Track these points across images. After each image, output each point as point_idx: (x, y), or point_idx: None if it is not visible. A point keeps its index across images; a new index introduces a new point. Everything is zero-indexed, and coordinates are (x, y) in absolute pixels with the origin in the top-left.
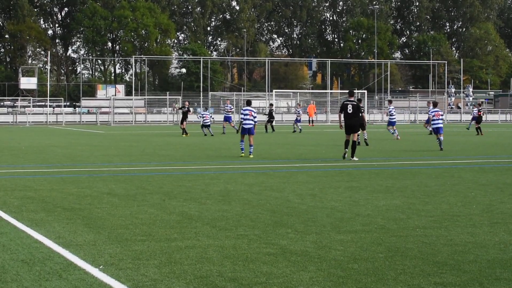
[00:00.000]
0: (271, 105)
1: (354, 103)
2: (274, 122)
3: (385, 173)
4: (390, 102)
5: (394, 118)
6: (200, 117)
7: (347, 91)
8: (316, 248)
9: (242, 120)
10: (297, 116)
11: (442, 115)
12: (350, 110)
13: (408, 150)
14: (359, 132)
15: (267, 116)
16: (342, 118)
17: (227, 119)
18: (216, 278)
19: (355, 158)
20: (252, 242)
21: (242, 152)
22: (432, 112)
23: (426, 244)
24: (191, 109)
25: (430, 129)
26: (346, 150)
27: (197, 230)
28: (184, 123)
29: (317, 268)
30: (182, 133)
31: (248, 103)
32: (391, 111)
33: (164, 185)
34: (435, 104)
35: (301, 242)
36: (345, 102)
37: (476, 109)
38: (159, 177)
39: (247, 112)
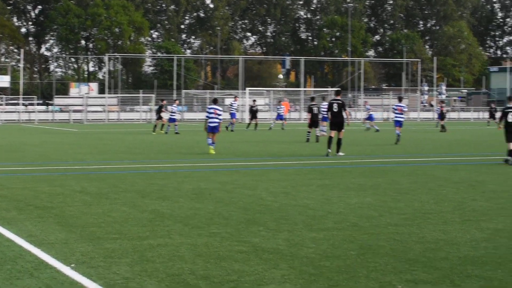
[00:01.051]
0: (254, 101)
1: (339, 101)
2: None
3: (357, 171)
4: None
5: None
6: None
7: (334, 89)
8: (288, 245)
9: (208, 118)
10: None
11: (404, 110)
12: (335, 108)
13: (381, 148)
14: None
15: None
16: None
17: (232, 115)
18: (188, 276)
19: (340, 153)
20: (224, 240)
21: (211, 147)
22: (395, 106)
23: (398, 242)
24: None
25: (368, 126)
26: (329, 150)
27: (170, 228)
28: (159, 121)
29: (289, 266)
30: (158, 129)
31: (215, 101)
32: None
33: (137, 183)
34: (399, 99)
35: (273, 240)
36: (331, 101)
37: (439, 106)
38: (132, 176)
39: (212, 110)
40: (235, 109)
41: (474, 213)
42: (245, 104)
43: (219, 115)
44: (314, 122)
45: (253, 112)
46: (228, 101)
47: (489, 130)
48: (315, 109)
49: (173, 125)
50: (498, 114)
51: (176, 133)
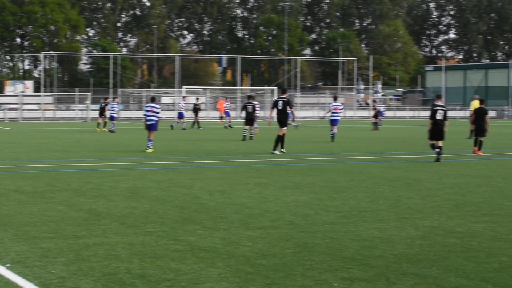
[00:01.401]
0: (197, 99)
1: (285, 99)
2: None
3: (294, 169)
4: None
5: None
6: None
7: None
8: (224, 244)
9: (145, 116)
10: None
11: (341, 109)
12: (280, 106)
13: (318, 146)
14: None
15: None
16: (273, 114)
17: (180, 115)
18: (124, 275)
19: (283, 150)
20: (160, 238)
21: (150, 148)
22: (332, 105)
23: (334, 240)
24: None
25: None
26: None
27: (105, 227)
28: (100, 118)
29: (225, 264)
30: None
31: (153, 99)
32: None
33: (73, 182)
34: (335, 98)
35: (209, 239)
36: (277, 99)
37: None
38: (68, 174)
39: (149, 108)
40: (184, 109)
41: (410, 211)
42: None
43: (157, 113)
44: (249, 120)
45: (196, 110)
46: (165, 99)
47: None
48: (249, 108)
49: (110, 123)
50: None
51: (111, 131)
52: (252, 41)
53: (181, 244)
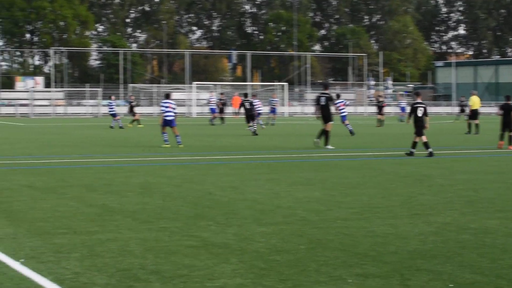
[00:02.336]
0: (222, 94)
1: (327, 95)
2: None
3: (305, 165)
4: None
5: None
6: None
7: (323, 83)
8: (237, 240)
9: (163, 112)
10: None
11: (345, 104)
12: (323, 102)
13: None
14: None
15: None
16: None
17: (213, 110)
18: (138, 270)
19: (328, 146)
20: (174, 234)
21: (167, 143)
22: (337, 102)
23: (347, 236)
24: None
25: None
26: (317, 140)
27: (118, 223)
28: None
29: (239, 260)
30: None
31: (167, 96)
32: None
33: (85, 177)
34: (338, 96)
35: (222, 234)
36: (319, 95)
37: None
38: (80, 170)
39: (167, 105)
40: (214, 103)
41: (422, 207)
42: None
43: (174, 109)
44: (250, 116)
45: (243, 106)
46: (175, 95)
47: (452, 125)
48: (247, 105)
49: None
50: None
51: (121, 127)
52: (261, 37)
53: (195, 240)
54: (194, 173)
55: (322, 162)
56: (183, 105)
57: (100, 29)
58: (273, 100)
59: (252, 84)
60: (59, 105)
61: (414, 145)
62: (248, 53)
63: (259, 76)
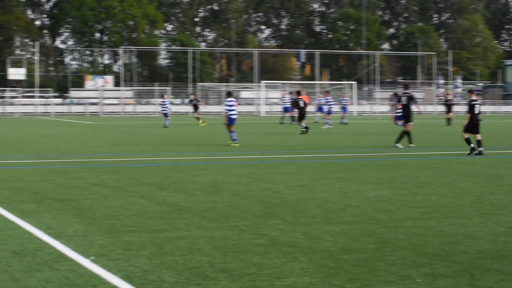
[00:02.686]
0: (298, 93)
1: (408, 94)
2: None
3: (374, 164)
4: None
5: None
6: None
7: (403, 82)
8: (306, 239)
9: (228, 111)
10: (329, 107)
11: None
12: (404, 101)
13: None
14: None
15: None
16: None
17: (287, 109)
18: (207, 269)
19: (411, 145)
20: (243, 233)
21: (236, 143)
22: (395, 101)
23: (416, 235)
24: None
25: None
26: (398, 143)
27: (187, 221)
28: (195, 114)
29: (308, 259)
30: (201, 123)
31: (230, 94)
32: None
33: (154, 176)
34: (396, 95)
35: (291, 233)
36: (401, 94)
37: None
38: (149, 168)
39: (232, 103)
40: (288, 102)
41: (492, 207)
42: (260, 97)
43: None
44: (302, 115)
45: (297, 104)
46: (244, 94)
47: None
48: (301, 103)
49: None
50: None
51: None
52: (330, 36)
53: (263, 239)
54: (263, 171)
55: (391, 161)
56: (251, 104)
57: (169, 28)
58: (343, 99)
59: (321, 83)
60: (128, 104)
61: (479, 143)
62: (317, 52)
63: (328, 75)
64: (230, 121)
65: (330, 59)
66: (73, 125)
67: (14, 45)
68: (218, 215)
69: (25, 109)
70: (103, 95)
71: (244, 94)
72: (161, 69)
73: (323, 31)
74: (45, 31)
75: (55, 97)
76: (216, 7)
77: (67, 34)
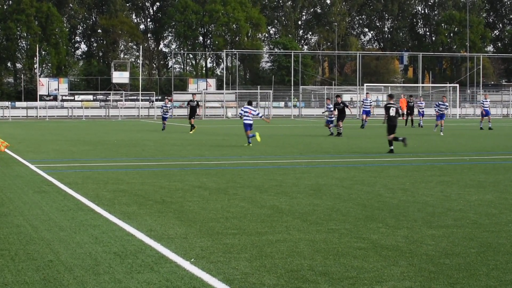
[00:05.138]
0: (411, 96)
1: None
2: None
3: (477, 168)
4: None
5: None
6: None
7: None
8: (407, 242)
9: (241, 116)
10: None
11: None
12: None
13: (502, 145)
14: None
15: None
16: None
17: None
18: (307, 272)
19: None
20: (343, 236)
21: (250, 143)
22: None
23: None
24: (200, 103)
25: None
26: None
27: (288, 224)
28: (192, 119)
29: (408, 263)
30: (190, 129)
31: (249, 103)
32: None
33: (255, 178)
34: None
35: (392, 237)
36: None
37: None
38: (250, 171)
39: (246, 110)
40: (369, 106)
41: None
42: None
43: (253, 115)
44: (341, 117)
45: (410, 108)
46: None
47: None
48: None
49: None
50: None
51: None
52: (433, 38)
53: (364, 242)
54: (365, 175)
55: (495, 164)
56: (354, 107)
57: (271, 32)
58: (420, 103)
59: (423, 86)
60: (230, 107)
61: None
62: (420, 54)
63: (431, 77)
64: (245, 127)
65: (433, 61)
66: (175, 127)
67: (119, 49)
68: (319, 218)
69: (129, 112)
70: (205, 98)
71: (346, 96)
72: (264, 72)
73: (427, 33)
74: (149, 35)
75: (158, 100)
76: (319, 10)
77: (171, 37)
